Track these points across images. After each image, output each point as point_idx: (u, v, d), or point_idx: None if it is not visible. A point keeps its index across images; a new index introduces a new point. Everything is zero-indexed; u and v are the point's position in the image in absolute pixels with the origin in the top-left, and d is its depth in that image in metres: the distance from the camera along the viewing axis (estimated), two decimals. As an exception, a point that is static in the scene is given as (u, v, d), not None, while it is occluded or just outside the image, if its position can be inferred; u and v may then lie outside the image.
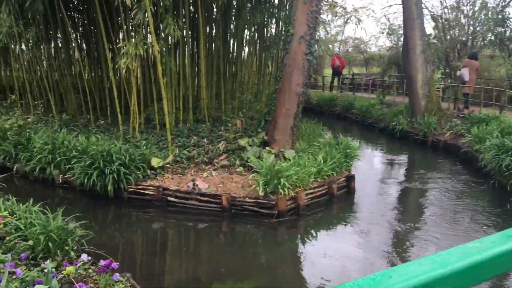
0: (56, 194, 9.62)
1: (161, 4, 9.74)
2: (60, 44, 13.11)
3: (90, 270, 4.80)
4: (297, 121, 9.73)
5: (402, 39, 17.18)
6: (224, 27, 11.86)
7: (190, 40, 11.62)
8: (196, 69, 12.16)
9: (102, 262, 4.80)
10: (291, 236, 7.81)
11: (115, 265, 4.80)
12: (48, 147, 9.83)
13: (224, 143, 9.87)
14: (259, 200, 8.00)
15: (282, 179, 7.89)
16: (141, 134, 10.54)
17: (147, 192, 8.74)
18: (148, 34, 9.80)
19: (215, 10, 11.63)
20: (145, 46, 9.54)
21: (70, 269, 3.65)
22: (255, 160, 8.99)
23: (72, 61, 12.45)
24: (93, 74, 13.44)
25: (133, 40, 9.77)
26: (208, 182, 8.73)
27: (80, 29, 13.88)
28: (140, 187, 8.81)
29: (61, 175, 9.67)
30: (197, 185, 8.53)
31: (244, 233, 7.77)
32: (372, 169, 12.11)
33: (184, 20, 10.48)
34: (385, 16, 40.18)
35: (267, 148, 9.41)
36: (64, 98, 13.53)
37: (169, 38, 9.98)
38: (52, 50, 13.57)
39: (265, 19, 11.82)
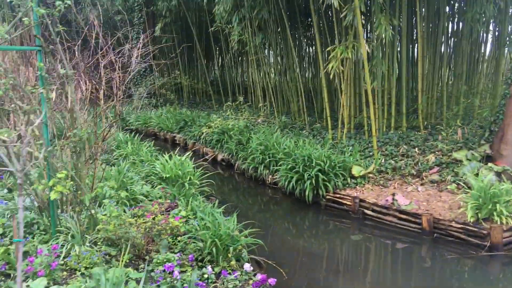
0: (265, 193, 10.11)
1: (374, 2, 9.14)
2: (282, 49, 13.75)
3: (250, 282, 4.75)
4: (534, 133, 7.84)
5: None
6: (448, 20, 10.47)
7: (407, 39, 10.58)
8: (414, 70, 11.09)
9: (258, 276, 4.68)
10: (507, 277, 6.29)
11: (272, 281, 4.63)
12: (261, 148, 10.39)
13: (435, 155, 8.68)
14: (467, 227, 6.72)
15: (498, 205, 6.44)
16: (348, 140, 10.17)
17: (344, 201, 8.35)
18: (358, 35, 9.30)
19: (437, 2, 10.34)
20: (354, 49, 9.11)
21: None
22: (471, 177, 7.62)
23: (293, 65, 12.88)
24: (311, 77, 13.70)
25: (342, 42, 9.45)
26: (410, 198, 7.80)
27: (299, 34, 14.25)
28: (338, 195, 8.48)
29: (270, 176, 10.10)
30: (396, 200, 7.71)
31: (445, 263, 6.60)
32: None
33: (400, 17, 9.63)
34: None
35: (489, 164, 7.87)
36: (290, 101, 14.20)
37: (381, 39, 9.31)
38: (274, 55, 14.32)
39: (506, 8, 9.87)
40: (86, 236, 4.92)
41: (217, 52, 19.89)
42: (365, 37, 9.33)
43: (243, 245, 5.28)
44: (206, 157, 12.83)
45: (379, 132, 9.96)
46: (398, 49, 10.43)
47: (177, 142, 15.83)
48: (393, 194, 7.88)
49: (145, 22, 20.39)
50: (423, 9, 9.69)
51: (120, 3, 21.39)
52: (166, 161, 8.18)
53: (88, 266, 4.46)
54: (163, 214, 5.47)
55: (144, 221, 5.02)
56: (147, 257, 4.96)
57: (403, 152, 9.17)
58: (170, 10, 18.84)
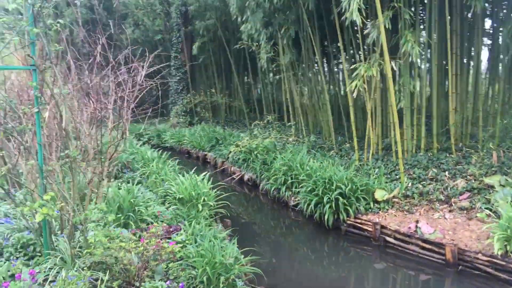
0: (287, 215, 9.77)
1: (401, 18, 8.73)
2: (311, 67, 13.47)
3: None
4: None
5: None
6: (483, 35, 9.82)
7: (439, 55, 9.99)
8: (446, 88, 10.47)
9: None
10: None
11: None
12: (284, 168, 10.08)
13: (466, 180, 8.07)
14: (494, 260, 6.12)
15: (529, 238, 5.84)
16: (375, 162, 9.69)
17: (365, 227, 7.89)
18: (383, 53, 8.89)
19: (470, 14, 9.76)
20: (380, 67, 8.71)
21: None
22: (503, 205, 6.99)
23: (322, 83, 12.56)
24: (343, 96, 13.31)
25: (367, 60, 9.08)
26: (435, 226, 7.24)
27: (329, 52, 13.92)
28: (359, 221, 8.03)
29: (292, 198, 9.76)
30: (419, 227, 7.19)
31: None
32: None
33: (431, 33, 9.14)
34: None
35: (525, 191, 7.21)
36: (320, 120, 13.81)
37: (410, 56, 8.85)
38: (305, 73, 14.03)
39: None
40: (76, 260, 4.79)
41: (253, 71, 19.84)
42: (397, 55, 8.82)
43: (239, 273, 5.00)
44: (233, 176, 12.66)
45: (408, 153, 9.44)
46: (429, 65, 9.91)
47: (208, 160, 15.76)
48: (417, 222, 7.36)
49: (183, 41, 20.71)
50: (456, 24, 9.14)
51: (159, 23, 21.89)
52: (182, 181, 8.05)
53: (72, 292, 4.32)
54: (162, 238, 5.28)
55: (135, 245, 4.84)
56: (137, 283, 4.77)
57: (432, 176, 8.59)
58: (208, 30, 19.02)
